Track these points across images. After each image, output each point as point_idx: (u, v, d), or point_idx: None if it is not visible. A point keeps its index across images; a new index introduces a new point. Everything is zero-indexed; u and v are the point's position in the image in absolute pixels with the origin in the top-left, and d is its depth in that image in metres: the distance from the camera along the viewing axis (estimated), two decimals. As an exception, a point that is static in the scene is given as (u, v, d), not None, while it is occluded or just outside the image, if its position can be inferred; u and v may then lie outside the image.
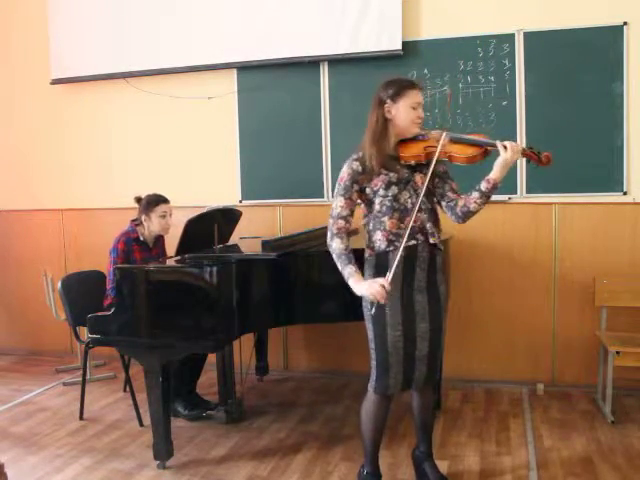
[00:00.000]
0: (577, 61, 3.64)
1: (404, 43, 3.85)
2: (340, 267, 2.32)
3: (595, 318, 3.63)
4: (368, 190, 2.35)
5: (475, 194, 2.34)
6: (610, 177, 3.65)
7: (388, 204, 2.33)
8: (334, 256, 2.33)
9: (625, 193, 3.64)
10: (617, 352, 3.17)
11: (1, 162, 4.88)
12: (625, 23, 3.55)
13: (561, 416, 3.38)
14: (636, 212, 3.64)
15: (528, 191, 3.78)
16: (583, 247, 3.72)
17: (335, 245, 2.33)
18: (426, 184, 2.30)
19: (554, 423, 3.28)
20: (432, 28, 3.86)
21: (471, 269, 3.88)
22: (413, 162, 2.35)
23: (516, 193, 3.78)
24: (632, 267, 3.63)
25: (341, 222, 2.34)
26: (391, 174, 2.33)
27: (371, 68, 3.90)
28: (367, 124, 2.38)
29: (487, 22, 3.76)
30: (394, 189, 2.33)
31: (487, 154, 2.36)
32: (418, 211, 2.32)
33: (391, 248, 2.32)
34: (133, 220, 3.50)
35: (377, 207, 2.35)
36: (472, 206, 2.36)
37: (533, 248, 3.81)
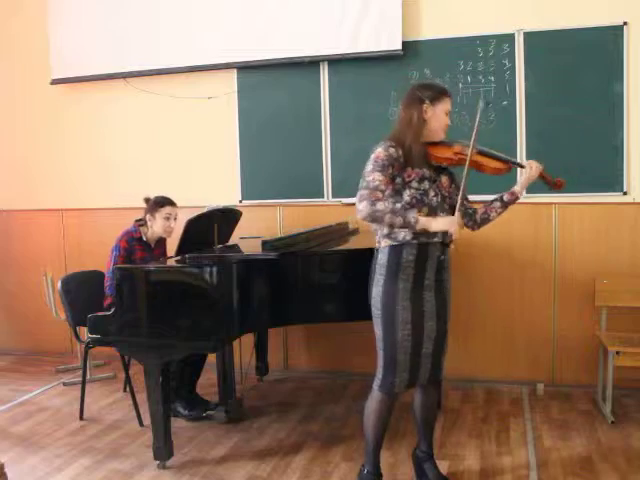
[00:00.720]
0: (577, 61, 3.64)
1: (404, 43, 3.85)
2: (400, 220, 2.24)
3: (595, 318, 3.63)
4: (399, 180, 2.35)
5: (497, 204, 2.52)
6: (610, 177, 3.65)
7: (418, 197, 2.34)
8: (386, 217, 2.24)
9: (625, 193, 3.64)
10: (617, 352, 3.17)
11: (1, 162, 4.88)
12: (625, 23, 3.56)
13: (561, 416, 3.38)
14: (636, 212, 3.64)
15: (528, 191, 3.73)
16: (583, 247, 3.73)
17: (380, 206, 2.25)
18: (462, 187, 2.37)
19: (554, 423, 3.28)
20: (432, 28, 3.86)
21: (471, 269, 3.88)
22: (444, 164, 2.43)
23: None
24: (632, 267, 3.64)
25: (379, 194, 2.28)
26: (424, 169, 2.37)
27: (371, 68, 3.90)
28: (402, 119, 2.41)
29: (487, 22, 3.76)
30: (426, 184, 2.37)
31: (509, 170, 2.51)
32: (443, 211, 2.38)
33: (415, 241, 2.33)
34: (137, 220, 3.51)
35: (407, 199, 2.34)
36: (492, 215, 2.52)
37: (533, 248, 3.81)
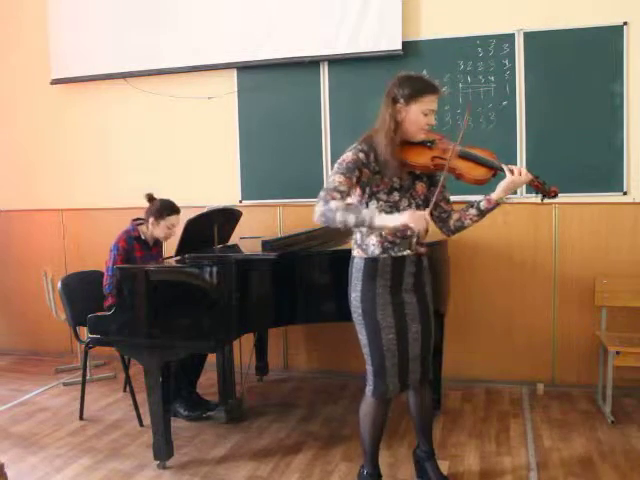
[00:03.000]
0: (577, 61, 3.64)
1: (404, 43, 3.85)
2: (353, 218, 2.10)
3: (595, 318, 3.63)
4: (367, 189, 2.27)
5: (472, 211, 2.32)
6: (610, 177, 3.64)
7: (388, 210, 2.25)
8: (337, 215, 2.10)
9: (625, 193, 3.64)
10: (617, 352, 3.17)
11: (1, 162, 4.88)
12: (625, 23, 3.55)
13: (561, 416, 3.38)
14: (636, 212, 3.64)
15: (528, 191, 3.77)
16: (583, 247, 3.72)
17: (333, 205, 2.11)
18: (434, 200, 2.20)
19: (554, 423, 3.28)
20: (432, 28, 3.86)
21: (471, 269, 3.88)
22: (419, 172, 2.30)
23: (516, 193, 3.77)
24: (632, 267, 3.63)
25: (336, 194, 2.14)
26: (395, 180, 2.27)
27: (371, 68, 3.90)
28: (378, 117, 2.28)
29: (487, 22, 3.75)
30: (395, 195, 2.28)
31: (494, 176, 2.31)
32: None
33: (384, 255, 2.28)
34: (134, 219, 3.50)
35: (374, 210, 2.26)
36: (467, 222, 2.36)
37: (533, 248, 3.81)
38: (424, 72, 3.82)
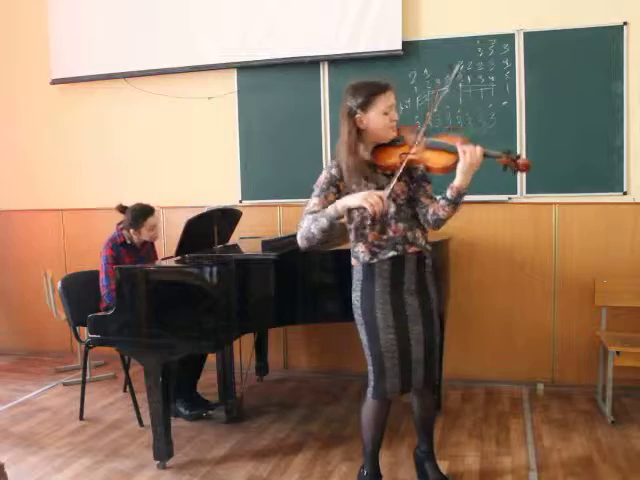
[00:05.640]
0: (577, 61, 3.64)
1: (404, 43, 3.85)
2: (323, 219, 2.18)
3: (595, 318, 3.63)
4: None
5: (442, 202, 2.27)
6: (610, 177, 3.64)
7: (366, 215, 2.24)
8: (312, 228, 2.19)
9: (625, 193, 3.64)
10: (617, 352, 3.17)
11: (1, 162, 4.88)
12: (625, 23, 3.55)
13: (561, 416, 3.38)
14: (636, 212, 3.64)
15: (528, 191, 3.78)
16: (583, 247, 3.72)
17: (304, 223, 2.22)
18: (390, 188, 2.17)
19: (554, 423, 3.28)
20: (432, 28, 3.86)
21: (471, 269, 3.88)
22: (389, 172, 2.30)
23: (516, 193, 3.78)
24: (632, 267, 3.63)
25: (309, 217, 2.24)
26: (369, 184, 2.28)
27: (371, 68, 3.89)
28: (340, 134, 2.31)
29: (487, 22, 3.75)
30: None
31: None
32: (398, 221, 2.30)
33: (374, 260, 2.30)
34: (118, 224, 3.50)
35: (357, 219, 2.30)
36: (441, 213, 2.28)
37: (533, 248, 3.81)
38: (425, 71, 3.85)
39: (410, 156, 2.21)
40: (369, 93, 2.25)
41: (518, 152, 3.67)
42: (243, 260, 2.90)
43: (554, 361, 3.83)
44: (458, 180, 2.20)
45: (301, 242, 2.25)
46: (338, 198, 2.26)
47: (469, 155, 2.15)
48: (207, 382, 3.75)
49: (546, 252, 3.78)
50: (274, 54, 4.09)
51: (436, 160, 2.24)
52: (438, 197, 2.31)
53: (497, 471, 2.76)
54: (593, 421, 3.28)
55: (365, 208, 2.11)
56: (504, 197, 3.79)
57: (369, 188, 2.25)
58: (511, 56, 3.73)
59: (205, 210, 3.39)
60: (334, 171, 2.30)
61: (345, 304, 2.92)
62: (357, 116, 2.27)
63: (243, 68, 4.20)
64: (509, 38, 3.72)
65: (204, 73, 4.28)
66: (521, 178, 3.74)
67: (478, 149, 2.17)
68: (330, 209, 2.20)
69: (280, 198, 4.21)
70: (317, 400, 3.72)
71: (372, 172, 2.31)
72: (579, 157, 3.67)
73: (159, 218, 3.50)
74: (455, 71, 2.31)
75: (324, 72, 4.06)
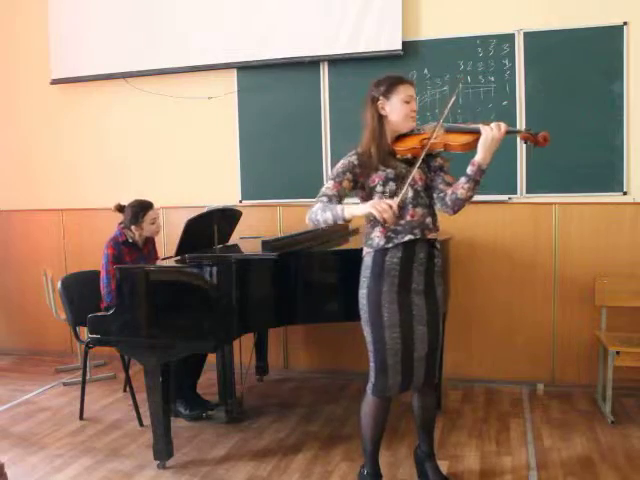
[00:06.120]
0: (577, 61, 3.64)
1: (404, 43, 3.85)
2: (330, 214, 2.23)
3: (595, 318, 3.63)
4: (366, 187, 2.36)
5: (462, 179, 2.30)
6: (610, 177, 3.64)
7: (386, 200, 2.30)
8: (319, 215, 2.26)
9: (625, 193, 3.64)
10: (617, 352, 3.17)
11: (1, 162, 4.88)
12: (625, 23, 3.55)
13: (561, 416, 3.38)
14: (636, 212, 3.64)
15: (528, 191, 3.78)
16: (583, 247, 3.72)
17: (315, 207, 2.28)
18: (413, 173, 2.27)
19: (554, 423, 3.28)
20: (432, 28, 3.86)
21: (471, 269, 3.88)
22: (410, 155, 2.35)
23: (516, 193, 3.78)
24: (632, 267, 3.63)
25: (323, 198, 2.29)
26: (388, 170, 2.34)
27: (371, 68, 3.89)
28: (363, 123, 2.40)
29: (487, 22, 3.75)
30: (392, 185, 2.33)
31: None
32: (415, 206, 2.33)
33: (390, 245, 2.31)
34: (120, 223, 3.50)
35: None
36: (459, 192, 2.30)
37: (533, 248, 3.80)
38: (425, 71, 3.85)
39: (432, 140, 2.29)
40: (391, 82, 2.37)
41: (518, 154, 3.72)
42: (243, 260, 2.90)
43: (554, 361, 3.83)
44: (479, 155, 2.25)
45: (307, 221, 2.34)
46: (353, 186, 2.36)
47: (493, 128, 2.22)
48: (207, 382, 3.76)
49: (546, 252, 3.79)
50: (274, 54, 4.09)
51: (457, 139, 2.32)
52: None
53: (497, 471, 2.76)
54: (593, 421, 3.28)
55: (374, 215, 2.13)
56: (504, 197, 3.79)
57: (388, 175, 2.32)
58: (511, 56, 3.73)
59: (205, 210, 3.39)
60: (353, 159, 2.36)
61: (345, 304, 2.93)
62: (379, 102, 2.36)
63: (243, 68, 4.20)
64: (509, 38, 3.72)
65: (204, 73, 4.28)
66: (521, 178, 3.74)
67: (502, 124, 2.25)
68: (338, 210, 2.23)
69: (280, 198, 4.21)
70: (317, 400, 3.72)
71: (392, 160, 2.37)
72: (579, 157, 3.67)
73: (158, 211, 3.51)
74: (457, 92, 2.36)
75: (324, 72, 4.06)
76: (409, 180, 2.27)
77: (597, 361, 3.57)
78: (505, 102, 3.77)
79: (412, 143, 2.35)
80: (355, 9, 3.91)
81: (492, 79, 3.78)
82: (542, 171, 3.65)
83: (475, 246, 3.86)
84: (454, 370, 3.85)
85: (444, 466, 2.75)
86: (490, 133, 2.22)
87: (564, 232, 3.75)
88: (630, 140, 3.60)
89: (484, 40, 3.76)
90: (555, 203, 3.75)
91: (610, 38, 3.57)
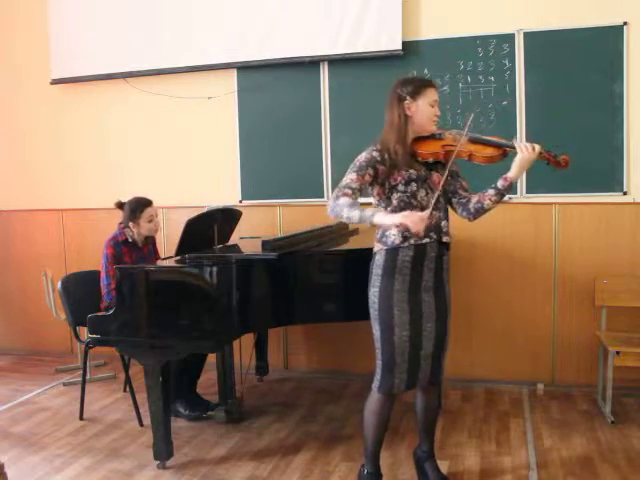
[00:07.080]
0: (577, 61, 3.64)
1: (404, 43, 3.85)
2: (357, 215, 2.20)
3: (595, 318, 3.63)
4: (386, 184, 2.36)
5: (491, 191, 2.39)
6: (610, 177, 3.65)
7: (406, 200, 2.33)
8: (344, 211, 2.22)
9: (625, 193, 3.64)
10: (617, 352, 3.17)
11: (1, 162, 4.88)
12: (625, 23, 3.55)
13: (561, 416, 3.38)
14: (636, 212, 3.64)
15: (528, 191, 3.78)
16: (583, 247, 3.72)
17: (342, 201, 2.24)
18: (442, 182, 2.31)
19: (554, 423, 3.28)
20: (432, 28, 3.86)
21: (471, 269, 3.88)
22: (431, 159, 2.38)
23: (516, 193, 3.78)
24: (632, 267, 3.63)
25: (348, 191, 2.27)
26: (411, 171, 2.34)
27: (371, 68, 3.90)
28: (386, 120, 2.40)
29: (487, 22, 3.75)
30: (413, 186, 2.35)
31: (505, 155, 2.40)
32: (435, 209, 2.34)
33: (405, 244, 2.32)
34: (121, 222, 3.50)
35: (395, 202, 2.35)
36: (486, 203, 2.39)
37: (533, 248, 3.81)
38: (425, 71, 3.85)
39: (458, 148, 2.30)
40: (419, 84, 2.38)
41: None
42: (243, 260, 2.90)
43: (554, 361, 3.83)
44: (513, 172, 2.34)
45: (330, 212, 2.30)
46: (374, 180, 2.35)
47: (529, 152, 2.31)
48: (207, 382, 3.76)
49: (546, 252, 3.79)
50: (274, 54, 4.09)
51: (482, 150, 2.37)
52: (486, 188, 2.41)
53: (497, 471, 2.76)
54: (593, 421, 3.28)
55: (404, 226, 2.15)
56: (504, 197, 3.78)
57: (411, 175, 2.34)
58: (511, 56, 3.73)
59: (205, 210, 3.39)
60: (375, 154, 2.34)
61: (345, 304, 2.93)
62: (406, 102, 2.35)
63: (243, 68, 4.21)
64: (509, 38, 3.72)
65: (204, 73, 4.28)
66: (521, 178, 3.74)
67: (537, 146, 2.32)
68: (368, 213, 2.20)
69: (280, 198, 4.21)
70: (317, 400, 3.72)
71: (414, 161, 2.38)
72: (579, 157, 3.64)
73: (156, 210, 3.50)
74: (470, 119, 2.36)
75: (324, 72, 4.06)
76: (438, 192, 2.30)
77: (597, 361, 3.57)
78: (505, 102, 3.77)
79: (434, 147, 2.36)
80: (355, 9, 3.91)
81: (492, 79, 3.78)
82: (542, 171, 3.63)
83: (475, 246, 3.86)
84: (454, 370, 3.84)
85: (444, 466, 2.75)
86: (527, 155, 2.31)
87: (564, 232, 3.75)
88: (630, 140, 3.61)
89: (484, 40, 3.76)
90: (555, 203, 3.75)
91: (610, 38, 3.57)
